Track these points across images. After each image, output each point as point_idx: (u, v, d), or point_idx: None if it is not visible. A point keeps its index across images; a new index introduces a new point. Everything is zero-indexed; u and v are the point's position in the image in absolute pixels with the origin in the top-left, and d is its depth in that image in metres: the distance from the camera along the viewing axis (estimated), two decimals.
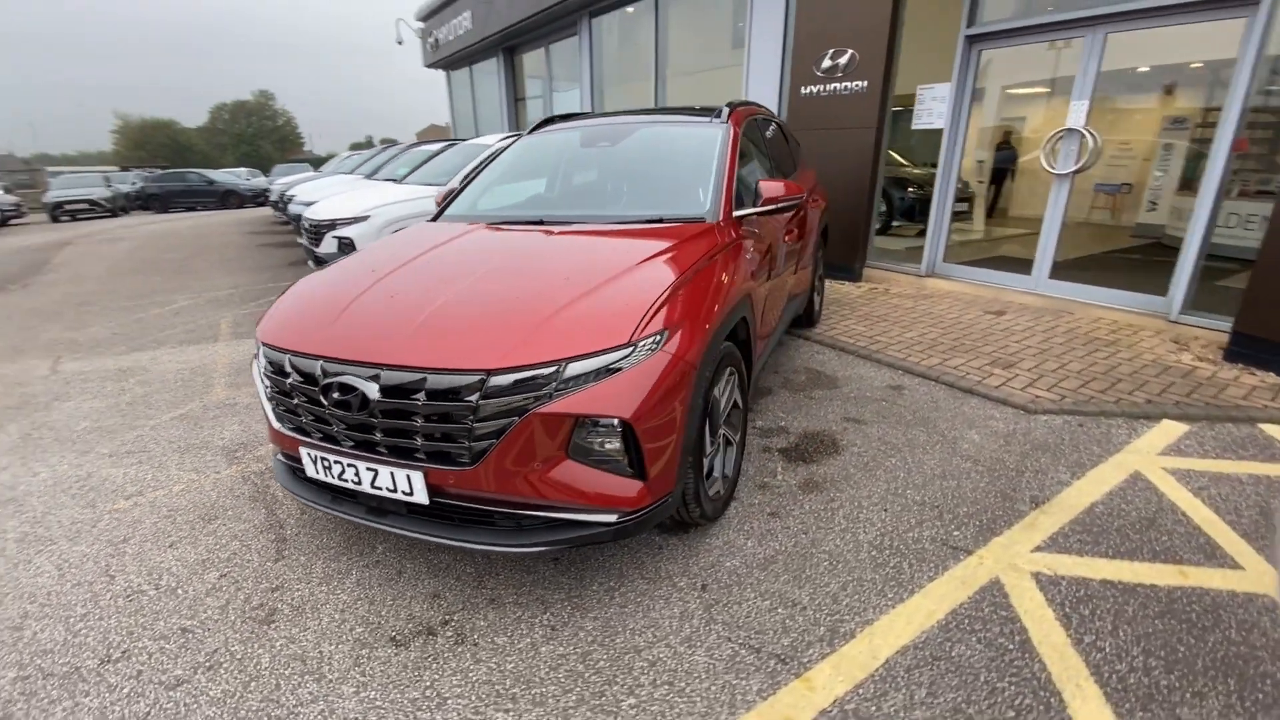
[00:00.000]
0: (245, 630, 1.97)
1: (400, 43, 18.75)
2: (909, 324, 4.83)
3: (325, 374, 1.88)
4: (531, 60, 14.03)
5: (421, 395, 1.76)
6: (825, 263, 6.14)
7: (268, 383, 2.09)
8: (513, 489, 1.80)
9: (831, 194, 6.03)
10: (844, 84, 5.90)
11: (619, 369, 1.79)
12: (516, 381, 1.73)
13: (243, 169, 30.14)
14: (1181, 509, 2.48)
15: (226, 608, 2.07)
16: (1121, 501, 2.54)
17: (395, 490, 1.88)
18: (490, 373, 1.72)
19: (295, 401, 1.98)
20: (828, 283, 6.17)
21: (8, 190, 21.42)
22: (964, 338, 4.47)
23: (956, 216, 7.28)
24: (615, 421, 1.76)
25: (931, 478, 2.74)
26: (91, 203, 20.30)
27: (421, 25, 17.82)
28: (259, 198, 22.67)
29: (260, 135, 72.59)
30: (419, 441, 1.80)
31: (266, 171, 27.20)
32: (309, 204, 7.37)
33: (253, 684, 1.77)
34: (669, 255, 2.25)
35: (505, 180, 3.34)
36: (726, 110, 3.20)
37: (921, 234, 6.16)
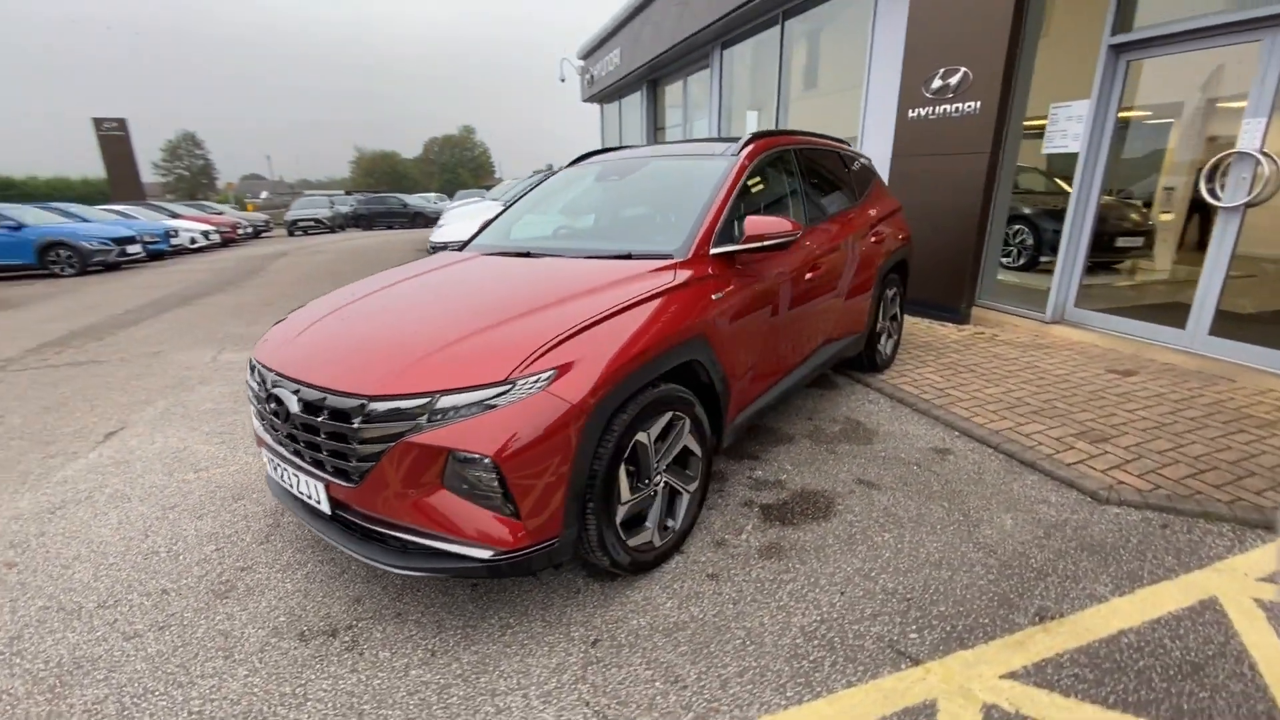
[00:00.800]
0: (203, 600, 2.27)
1: (563, 80, 20.43)
2: (999, 379, 4.16)
3: (267, 385, 2.13)
4: (672, 91, 14.50)
5: (325, 414, 1.92)
6: (922, 301, 5.56)
7: (249, 389, 2.41)
8: (392, 511, 1.88)
9: (934, 226, 5.45)
10: (954, 105, 5.31)
11: (494, 406, 1.80)
12: (391, 410, 1.82)
13: (432, 194, 34.72)
14: (1252, 658, 1.84)
15: (203, 578, 2.41)
16: (1169, 634, 1.95)
17: (310, 497, 2.07)
18: (370, 398, 1.83)
19: (255, 408, 2.27)
20: (924, 324, 5.55)
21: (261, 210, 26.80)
22: (1061, 400, 3.75)
23: (1127, 254, 6.22)
24: (484, 459, 1.77)
25: (922, 564, 2.34)
26: (317, 220, 24.75)
27: (582, 63, 19.27)
28: (439, 218, 25.97)
29: (460, 164, 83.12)
30: (323, 455, 1.97)
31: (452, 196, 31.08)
32: (440, 227, 8.31)
33: (180, 649, 2.04)
34: (599, 292, 2.21)
35: (532, 212, 3.50)
36: (742, 142, 3.06)
37: (1092, 272, 5.26)
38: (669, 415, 2.26)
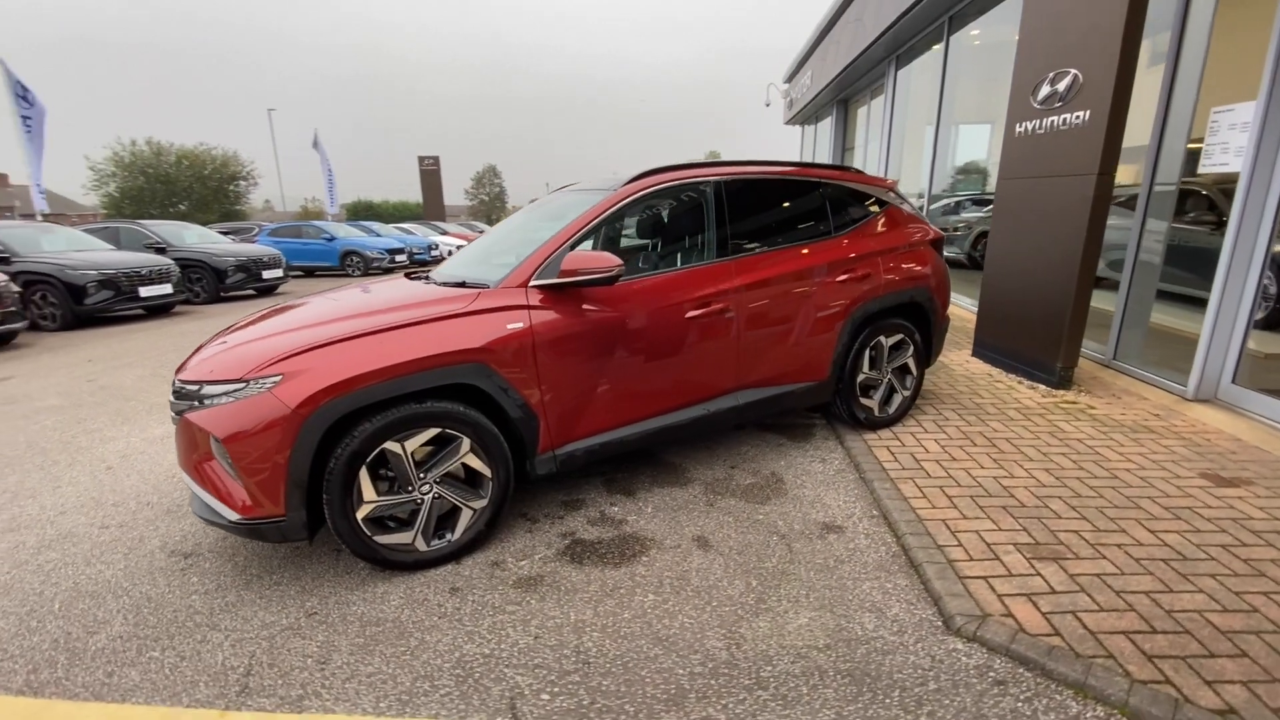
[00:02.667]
0: (166, 563, 3.11)
1: (767, 105, 20.47)
2: (1022, 460, 3.26)
3: None
4: (861, 113, 13.62)
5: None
6: (1012, 353, 4.60)
7: None
8: (193, 470, 2.44)
9: (1028, 264, 4.50)
10: (1061, 116, 4.25)
11: (232, 398, 2.25)
12: (182, 390, 2.39)
13: None
14: None
15: (183, 540, 3.31)
16: None
17: None
18: (177, 381, 2.43)
19: None
20: (1007, 381, 4.55)
21: None
22: (1073, 501, 2.84)
23: None
24: (217, 438, 2.22)
25: (648, 635, 2.13)
26: None
27: (786, 86, 19.10)
28: None
29: None
30: None
31: None
32: None
33: (111, 593, 2.88)
34: (391, 312, 2.52)
35: (490, 240, 3.88)
36: (627, 179, 3.05)
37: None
38: (435, 431, 2.45)
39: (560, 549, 2.69)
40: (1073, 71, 4.13)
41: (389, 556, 2.47)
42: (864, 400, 3.70)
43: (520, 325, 2.59)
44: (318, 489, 2.33)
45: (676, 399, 3.05)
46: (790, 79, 18.13)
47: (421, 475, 2.48)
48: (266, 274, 12.20)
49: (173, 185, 33.88)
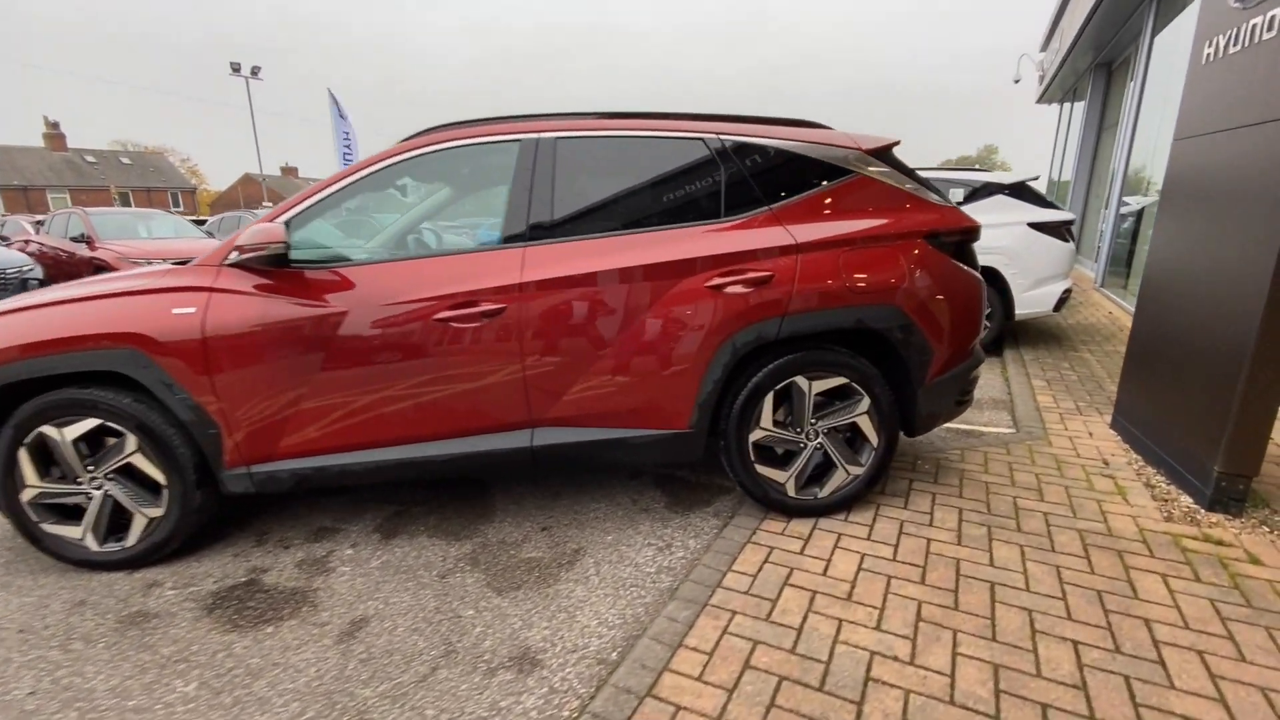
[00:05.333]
0: None
1: (1017, 81, 16.61)
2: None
3: None
4: (1131, 84, 9.99)
5: None
6: (1157, 433, 2.90)
7: None
8: None
9: (1193, 285, 2.70)
10: (1271, 13, 2.28)
11: None
12: None
13: None
14: None
15: None
16: None
17: None
18: None
19: None
20: (1143, 480, 2.77)
21: None
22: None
23: None
24: None
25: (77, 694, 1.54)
26: None
27: (1041, 56, 15.22)
28: None
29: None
30: None
31: None
32: None
33: None
34: (72, 289, 2.31)
35: None
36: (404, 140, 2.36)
37: None
38: (94, 423, 2.17)
39: (225, 587, 2.20)
40: None
41: (54, 548, 2.26)
42: (766, 470, 2.44)
43: (190, 311, 2.15)
44: None
45: (427, 428, 2.31)
46: (1045, 44, 14.37)
47: (90, 468, 2.22)
48: None
49: None
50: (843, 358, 2.36)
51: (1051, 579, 2.04)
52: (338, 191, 2.30)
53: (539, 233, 2.29)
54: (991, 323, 5.12)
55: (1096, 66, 11.04)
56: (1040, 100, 15.27)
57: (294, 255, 2.23)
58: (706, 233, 2.32)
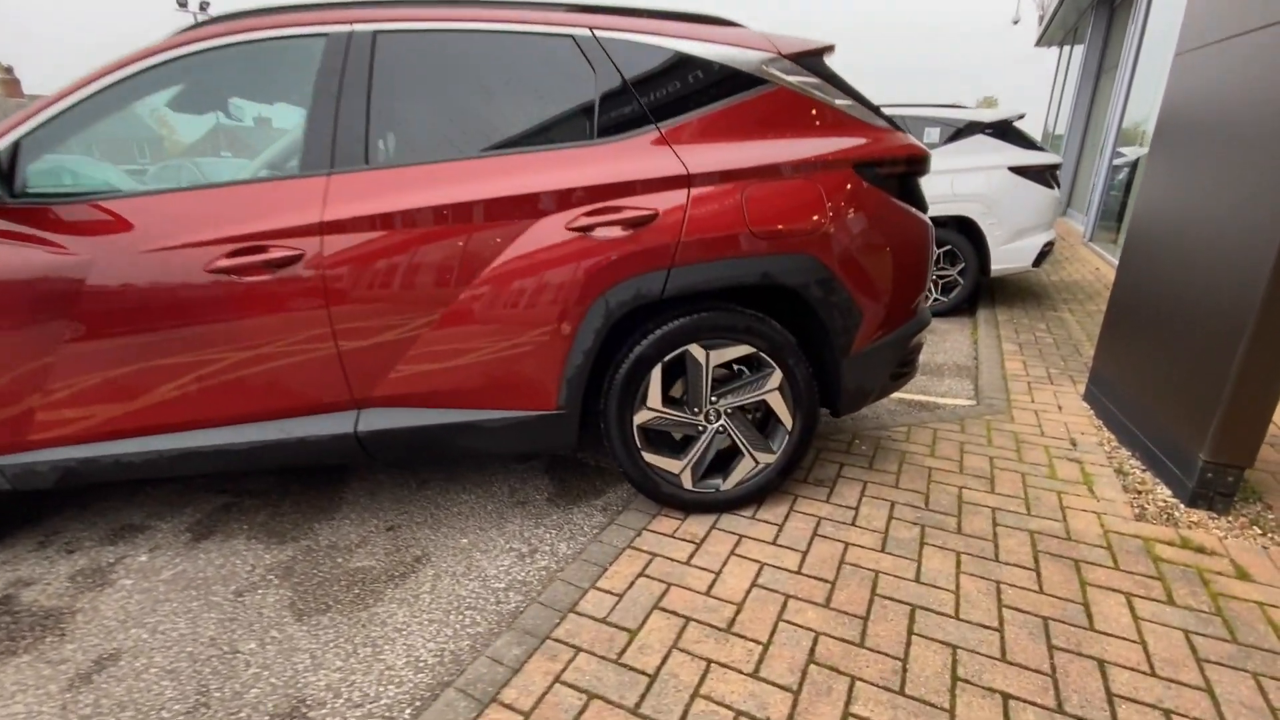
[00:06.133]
0: None
1: (1016, 22, 15.67)
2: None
3: None
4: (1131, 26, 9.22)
5: None
6: (1136, 412, 2.54)
7: None
8: None
9: (1187, 231, 2.21)
10: None
11: None
12: None
13: None
14: None
15: None
16: None
17: None
18: None
19: None
20: (1114, 466, 2.35)
21: None
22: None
23: None
24: None
25: None
26: None
27: None
28: None
29: None
30: None
31: None
32: None
33: None
34: None
35: None
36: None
37: None
38: None
39: None
40: None
41: None
42: (656, 459, 1.99)
43: None
44: None
45: (218, 410, 1.83)
46: None
47: None
48: None
49: None
50: (748, 321, 1.87)
51: (988, 601, 1.62)
52: (81, 104, 1.74)
53: (348, 157, 1.76)
54: (965, 279, 4.64)
55: (1098, 4, 10.24)
56: (1040, 43, 14.38)
57: (22, 188, 1.70)
58: (572, 159, 1.79)
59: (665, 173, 1.78)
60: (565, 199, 1.75)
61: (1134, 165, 7.27)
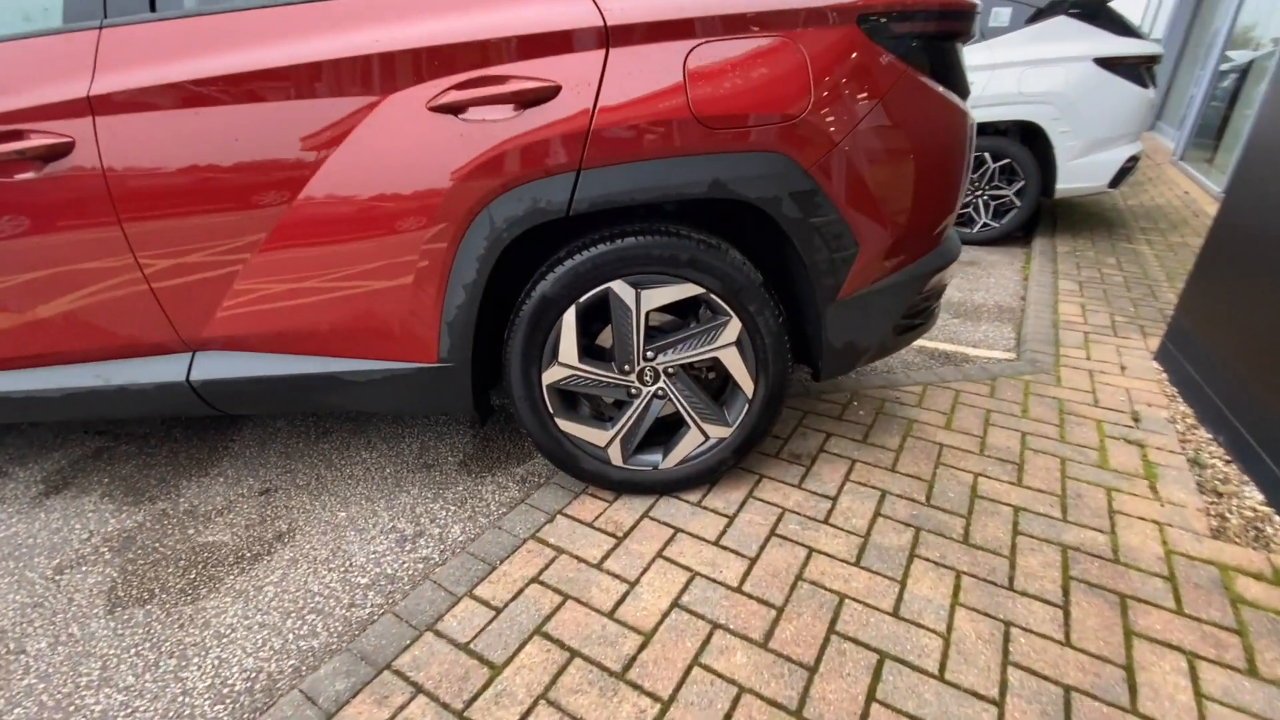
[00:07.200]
0: None
1: None
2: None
3: None
4: None
5: None
6: (1226, 383, 2.00)
7: None
8: None
9: None
10: None
11: None
12: None
13: None
14: None
15: None
16: None
17: None
18: None
19: None
20: (1186, 455, 1.81)
21: None
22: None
23: None
24: None
25: None
26: None
27: None
28: None
29: None
30: None
31: None
32: None
33: None
34: None
35: None
36: None
37: None
38: None
39: None
40: None
41: None
42: (575, 428, 1.54)
43: None
44: None
45: (7, 347, 1.45)
46: None
47: None
48: None
49: None
50: (692, 251, 1.35)
51: (989, 654, 1.18)
52: None
53: (127, 2, 1.25)
54: (1022, 200, 3.87)
55: None
56: None
57: None
58: (434, 4, 1.24)
59: (572, 24, 1.21)
60: (424, 64, 1.21)
61: (1245, 70, 6.04)
